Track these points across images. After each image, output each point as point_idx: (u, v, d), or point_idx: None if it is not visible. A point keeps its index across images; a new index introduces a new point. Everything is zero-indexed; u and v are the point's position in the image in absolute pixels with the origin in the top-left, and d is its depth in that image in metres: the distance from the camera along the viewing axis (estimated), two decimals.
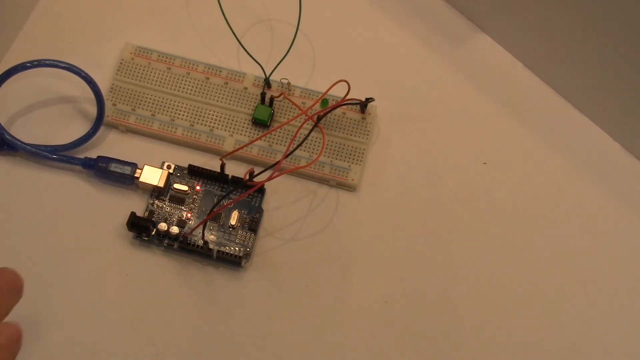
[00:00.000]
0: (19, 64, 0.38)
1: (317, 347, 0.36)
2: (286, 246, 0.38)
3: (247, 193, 0.37)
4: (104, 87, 0.39)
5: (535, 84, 0.42)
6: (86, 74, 0.38)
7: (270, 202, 0.39)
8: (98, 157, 0.38)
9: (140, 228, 0.37)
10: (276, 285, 0.37)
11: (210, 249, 0.36)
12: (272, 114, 0.40)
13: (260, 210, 0.38)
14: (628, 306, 0.37)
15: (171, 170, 0.38)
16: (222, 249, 0.37)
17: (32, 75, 0.39)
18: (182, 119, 0.40)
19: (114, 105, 0.40)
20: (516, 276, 0.37)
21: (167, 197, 0.38)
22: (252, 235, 0.37)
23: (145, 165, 0.38)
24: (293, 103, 0.39)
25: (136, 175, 0.38)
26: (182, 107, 0.40)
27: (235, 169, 0.39)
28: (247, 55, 0.40)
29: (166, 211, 0.38)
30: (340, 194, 0.39)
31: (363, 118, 0.40)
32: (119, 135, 0.40)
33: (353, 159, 0.39)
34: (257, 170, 0.37)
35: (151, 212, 0.37)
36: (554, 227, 0.39)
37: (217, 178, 0.38)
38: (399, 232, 0.38)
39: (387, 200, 0.39)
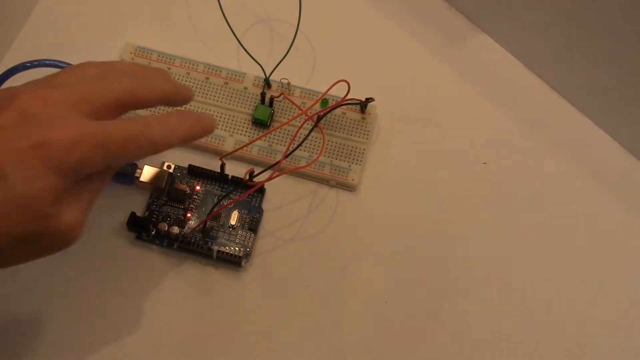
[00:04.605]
0: (19, 64, 0.38)
1: (317, 347, 0.36)
2: (286, 246, 0.38)
3: (247, 193, 0.37)
4: None
5: (535, 84, 0.42)
6: None
7: (270, 202, 0.39)
8: None
9: (140, 228, 0.37)
10: (276, 285, 0.37)
11: (211, 249, 0.36)
12: (272, 114, 0.40)
13: (260, 210, 0.38)
14: (628, 305, 0.37)
15: (171, 170, 0.38)
16: (222, 248, 0.37)
17: (32, 75, 0.39)
18: None
19: None
20: (516, 276, 0.37)
21: (167, 197, 0.38)
22: (252, 235, 0.37)
23: (145, 165, 0.38)
24: (293, 103, 0.39)
25: (136, 175, 0.37)
26: (181, 107, 0.40)
27: (235, 169, 0.39)
28: (247, 55, 0.40)
29: (166, 211, 0.38)
30: (340, 194, 0.39)
31: (363, 118, 0.40)
32: None
33: (353, 159, 0.39)
34: (257, 170, 0.37)
35: (151, 212, 0.37)
36: (554, 227, 0.39)
37: (217, 178, 0.38)
38: (399, 232, 0.38)
39: (387, 200, 0.39)
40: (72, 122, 0.26)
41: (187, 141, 0.32)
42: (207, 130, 0.33)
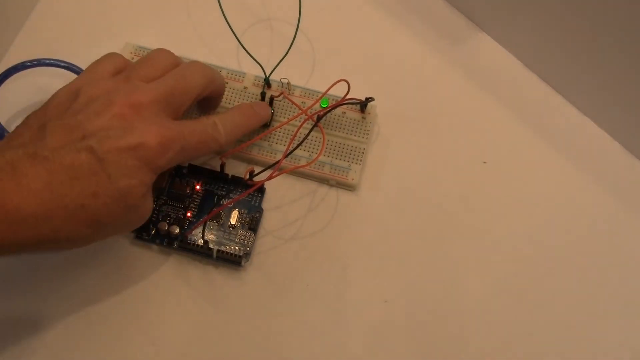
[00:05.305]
0: (19, 64, 0.38)
1: (317, 347, 0.36)
2: (286, 245, 0.38)
3: (247, 192, 0.37)
4: None
5: (535, 84, 0.42)
6: None
7: (270, 202, 0.38)
8: None
9: (141, 227, 0.37)
10: (276, 285, 0.37)
11: (210, 249, 0.36)
12: (272, 113, 0.40)
13: (260, 210, 0.38)
14: (628, 305, 0.37)
15: (171, 170, 0.38)
16: (222, 248, 0.37)
17: (32, 74, 0.39)
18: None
19: None
20: (516, 275, 0.37)
21: (167, 197, 0.38)
22: (252, 234, 0.37)
23: None
24: (293, 103, 0.39)
25: None
26: None
27: (235, 169, 0.39)
28: (247, 55, 0.40)
29: (166, 211, 0.38)
30: (340, 194, 0.39)
31: (363, 118, 0.40)
32: None
33: (353, 159, 0.39)
34: (257, 169, 0.37)
35: (151, 212, 0.37)
36: (554, 227, 0.39)
37: (217, 177, 0.38)
38: (398, 232, 0.38)
39: (387, 200, 0.39)
40: (161, 125, 0.31)
41: (246, 133, 0.37)
42: (264, 119, 0.38)
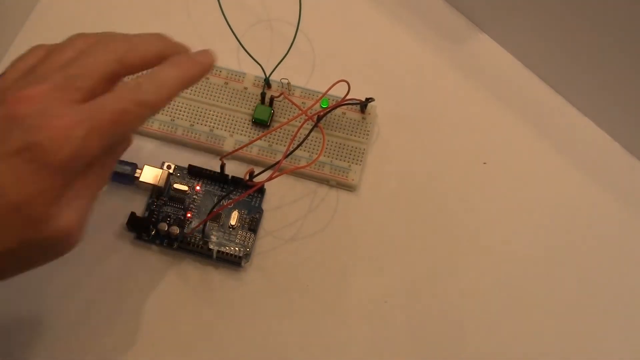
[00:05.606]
0: None
1: (317, 347, 0.36)
2: (286, 246, 0.38)
3: (247, 193, 0.37)
4: None
5: (535, 84, 0.42)
6: None
7: (270, 202, 0.39)
8: None
9: (140, 228, 0.37)
10: (276, 285, 0.37)
11: (210, 249, 0.36)
12: (272, 114, 0.40)
13: (260, 210, 0.38)
14: (628, 305, 0.37)
15: (171, 170, 0.38)
16: (222, 249, 0.37)
17: None
18: (182, 119, 0.40)
19: None
20: (516, 275, 0.37)
21: (167, 197, 0.38)
22: (252, 235, 0.37)
23: (145, 165, 0.38)
24: (293, 103, 0.39)
25: (136, 175, 0.37)
26: (182, 107, 0.40)
27: (235, 169, 0.39)
28: (247, 55, 0.40)
29: (166, 211, 0.38)
30: (340, 194, 0.39)
31: (363, 118, 0.40)
32: None
33: (353, 159, 0.39)
34: (257, 170, 0.37)
35: (151, 212, 0.37)
36: (554, 227, 0.39)
37: (217, 178, 0.38)
38: (399, 232, 0.38)
39: (387, 200, 0.39)
40: (58, 115, 0.25)
41: (187, 87, 0.29)
42: (206, 67, 0.30)
